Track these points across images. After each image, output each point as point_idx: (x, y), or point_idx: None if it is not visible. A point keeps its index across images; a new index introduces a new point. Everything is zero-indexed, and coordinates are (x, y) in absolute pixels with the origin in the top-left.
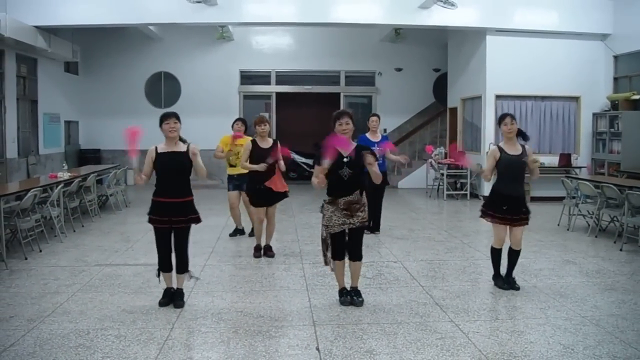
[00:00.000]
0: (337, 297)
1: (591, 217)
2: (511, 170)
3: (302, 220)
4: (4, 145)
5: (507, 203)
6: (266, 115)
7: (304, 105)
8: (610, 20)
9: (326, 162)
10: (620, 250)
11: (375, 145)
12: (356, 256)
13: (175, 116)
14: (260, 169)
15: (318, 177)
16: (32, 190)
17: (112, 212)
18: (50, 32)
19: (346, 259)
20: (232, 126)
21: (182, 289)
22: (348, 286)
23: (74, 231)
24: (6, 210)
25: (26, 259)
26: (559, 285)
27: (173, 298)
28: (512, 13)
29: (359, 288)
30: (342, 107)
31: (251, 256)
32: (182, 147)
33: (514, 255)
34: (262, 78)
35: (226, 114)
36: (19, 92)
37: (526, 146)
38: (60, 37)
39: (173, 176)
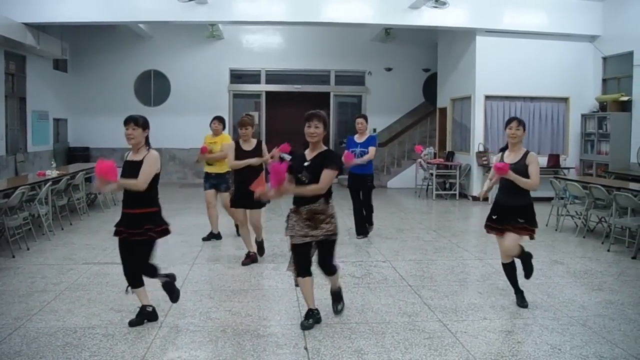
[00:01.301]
0: (325, 297)
1: (579, 218)
2: (502, 180)
3: None
4: None
5: (498, 212)
6: (251, 117)
7: (294, 104)
8: (600, 21)
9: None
10: (608, 251)
11: (358, 146)
12: (327, 271)
13: (135, 121)
14: (254, 163)
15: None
16: (20, 188)
17: (100, 211)
18: (39, 29)
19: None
20: (210, 124)
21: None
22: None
23: (62, 229)
24: None
25: (14, 257)
26: (546, 285)
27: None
28: (501, 14)
29: (341, 291)
30: (331, 107)
31: (240, 255)
32: (141, 156)
33: (504, 269)
34: (251, 77)
35: (216, 113)
36: (8, 90)
37: (531, 153)
38: (49, 34)
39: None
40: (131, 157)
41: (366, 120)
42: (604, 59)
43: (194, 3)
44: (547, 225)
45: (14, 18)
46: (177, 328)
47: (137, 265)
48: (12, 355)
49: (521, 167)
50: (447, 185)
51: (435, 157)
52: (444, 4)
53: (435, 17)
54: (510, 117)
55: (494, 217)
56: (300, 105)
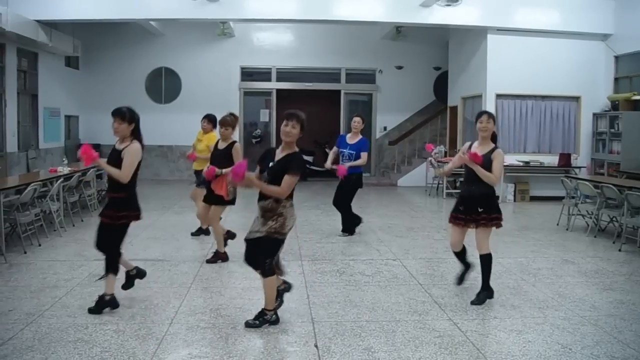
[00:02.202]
0: (336, 295)
1: (590, 217)
2: (467, 171)
3: (300, 217)
4: (4, 139)
5: (464, 203)
6: (235, 117)
7: (305, 102)
8: (612, 20)
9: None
10: (619, 250)
11: (348, 147)
12: (256, 267)
13: (121, 115)
14: (204, 170)
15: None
16: (31, 184)
17: None
18: (51, 26)
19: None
20: (201, 122)
21: (102, 295)
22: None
23: (74, 226)
24: (6, 204)
25: (25, 253)
26: (557, 285)
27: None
28: (513, 12)
29: (266, 309)
30: (342, 105)
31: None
32: (123, 146)
33: (481, 260)
34: (262, 75)
35: (226, 110)
36: (20, 86)
37: (497, 150)
38: (61, 31)
39: None
40: (117, 145)
41: (363, 121)
42: (616, 57)
43: (205, 1)
44: (558, 224)
45: (26, 15)
46: (188, 325)
47: (104, 247)
48: (24, 351)
49: (486, 161)
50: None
51: (445, 156)
52: (456, 0)
53: (447, 15)
54: (481, 111)
55: (460, 208)
56: (311, 103)
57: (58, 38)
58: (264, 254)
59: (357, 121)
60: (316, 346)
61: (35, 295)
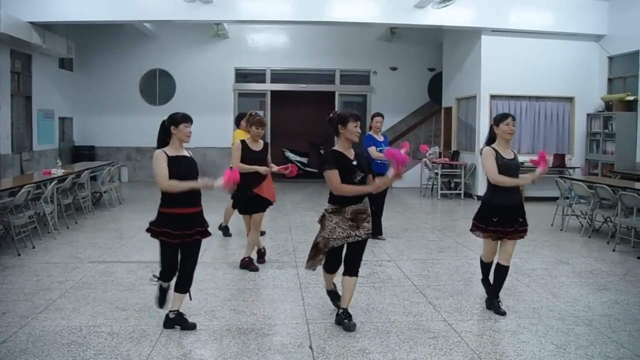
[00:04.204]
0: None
1: (584, 218)
2: (513, 175)
3: (296, 219)
4: None
5: (499, 214)
6: (261, 114)
7: (299, 103)
8: (605, 21)
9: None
10: (613, 250)
11: (383, 145)
12: (353, 271)
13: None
14: (262, 171)
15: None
16: (25, 186)
17: (105, 209)
18: (45, 28)
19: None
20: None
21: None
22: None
23: (68, 228)
24: None
25: (19, 255)
26: (551, 285)
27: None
28: (507, 13)
29: (350, 310)
30: (336, 107)
31: (245, 254)
32: (187, 152)
33: (501, 271)
34: (257, 76)
35: (221, 112)
36: (13, 88)
37: (514, 151)
38: (55, 33)
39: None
40: (176, 153)
41: (383, 119)
42: (610, 58)
43: (200, 2)
44: (552, 225)
45: (20, 17)
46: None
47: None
48: (17, 353)
49: (518, 164)
50: (452, 185)
51: (440, 157)
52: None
53: (441, 17)
54: (505, 113)
55: (494, 220)
56: (306, 105)
57: (52, 40)
58: (361, 256)
59: (379, 120)
60: (311, 347)
61: (29, 298)
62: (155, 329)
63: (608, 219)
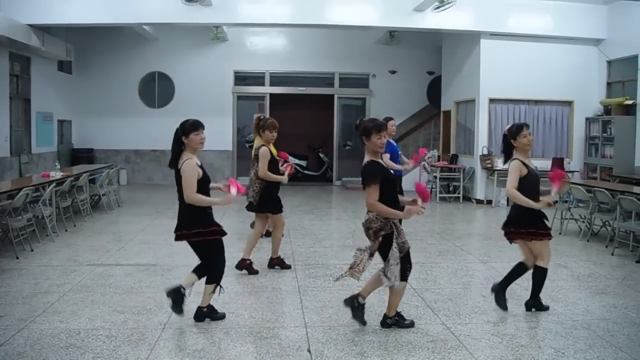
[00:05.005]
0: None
1: (583, 222)
2: (537, 187)
3: (294, 222)
4: None
5: (544, 219)
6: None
7: (298, 106)
8: (604, 25)
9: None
10: (612, 254)
11: (397, 149)
12: (405, 276)
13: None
14: (284, 182)
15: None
16: (24, 189)
17: (104, 212)
18: (44, 30)
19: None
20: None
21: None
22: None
23: (66, 231)
24: None
25: (17, 258)
26: (550, 288)
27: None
28: (506, 17)
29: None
30: (335, 109)
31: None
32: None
33: (531, 273)
34: (256, 79)
35: (220, 115)
36: (12, 91)
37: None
38: (54, 35)
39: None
40: (197, 161)
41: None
42: (609, 62)
43: (199, 5)
44: (550, 228)
45: (18, 19)
46: (181, 330)
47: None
48: (15, 357)
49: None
50: (451, 188)
51: (439, 160)
52: (450, 2)
53: (440, 20)
54: (520, 124)
55: (546, 220)
56: (305, 108)
57: (51, 42)
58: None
59: (393, 124)
60: (309, 351)
61: (27, 301)
62: (153, 333)
63: (607, 223)
